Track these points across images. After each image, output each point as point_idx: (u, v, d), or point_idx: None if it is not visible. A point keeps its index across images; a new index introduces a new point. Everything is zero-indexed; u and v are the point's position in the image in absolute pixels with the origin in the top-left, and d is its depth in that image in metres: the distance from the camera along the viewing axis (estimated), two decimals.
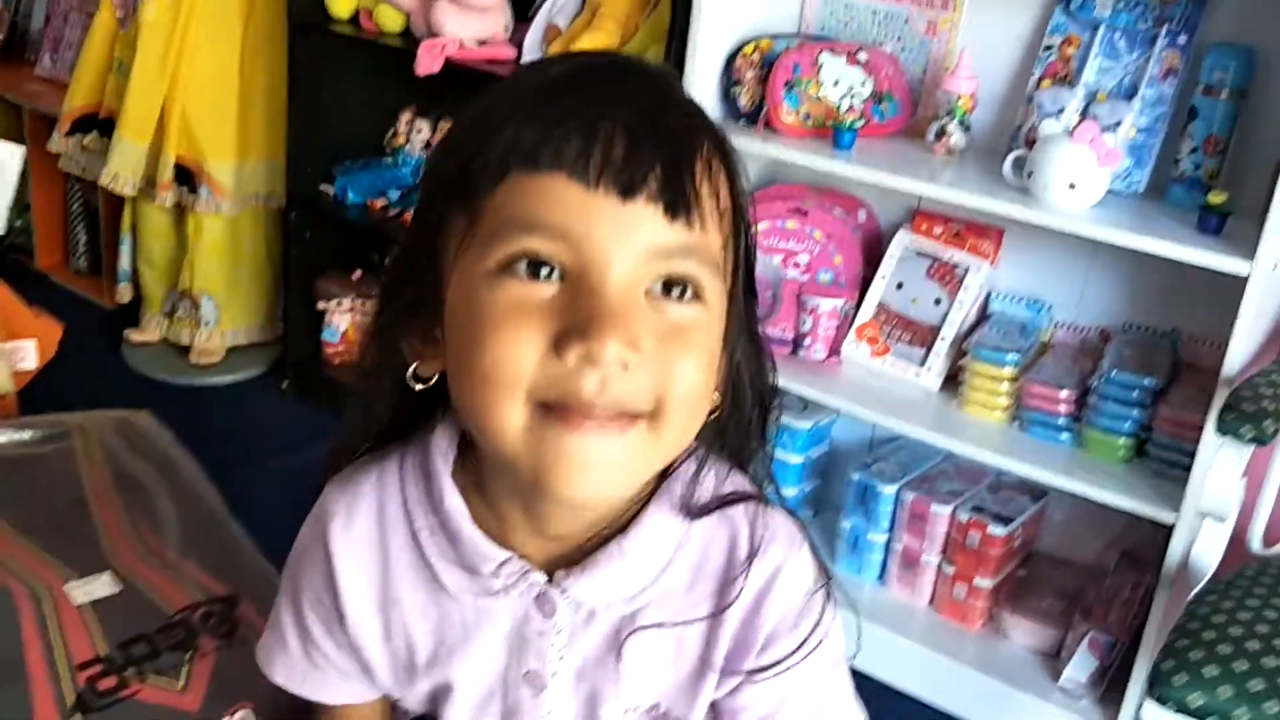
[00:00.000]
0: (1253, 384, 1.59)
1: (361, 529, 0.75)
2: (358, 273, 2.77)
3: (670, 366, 0.64)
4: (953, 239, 2.06)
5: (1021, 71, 2.00)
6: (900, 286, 2.08)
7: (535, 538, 0.73)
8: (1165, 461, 1.80)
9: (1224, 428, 1.52)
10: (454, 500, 0.72)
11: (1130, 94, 1.86)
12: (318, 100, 2.61)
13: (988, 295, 2.07)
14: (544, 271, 0.63)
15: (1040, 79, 1.94)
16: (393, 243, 2.68)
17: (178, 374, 2.80)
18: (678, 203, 0.63)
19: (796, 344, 2.10)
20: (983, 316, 2.07)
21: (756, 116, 2.04)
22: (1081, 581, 2.05)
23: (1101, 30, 1.89)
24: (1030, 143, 1.84)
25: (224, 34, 2.61)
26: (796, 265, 2.16)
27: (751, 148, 2.02)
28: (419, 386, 0.70)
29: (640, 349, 0.62)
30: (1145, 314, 1.98)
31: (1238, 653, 1.44)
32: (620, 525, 0.73)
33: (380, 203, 2.63)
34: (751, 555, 0.74)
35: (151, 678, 0.92)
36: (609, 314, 0.61)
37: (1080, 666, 1.91)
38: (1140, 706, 1.49)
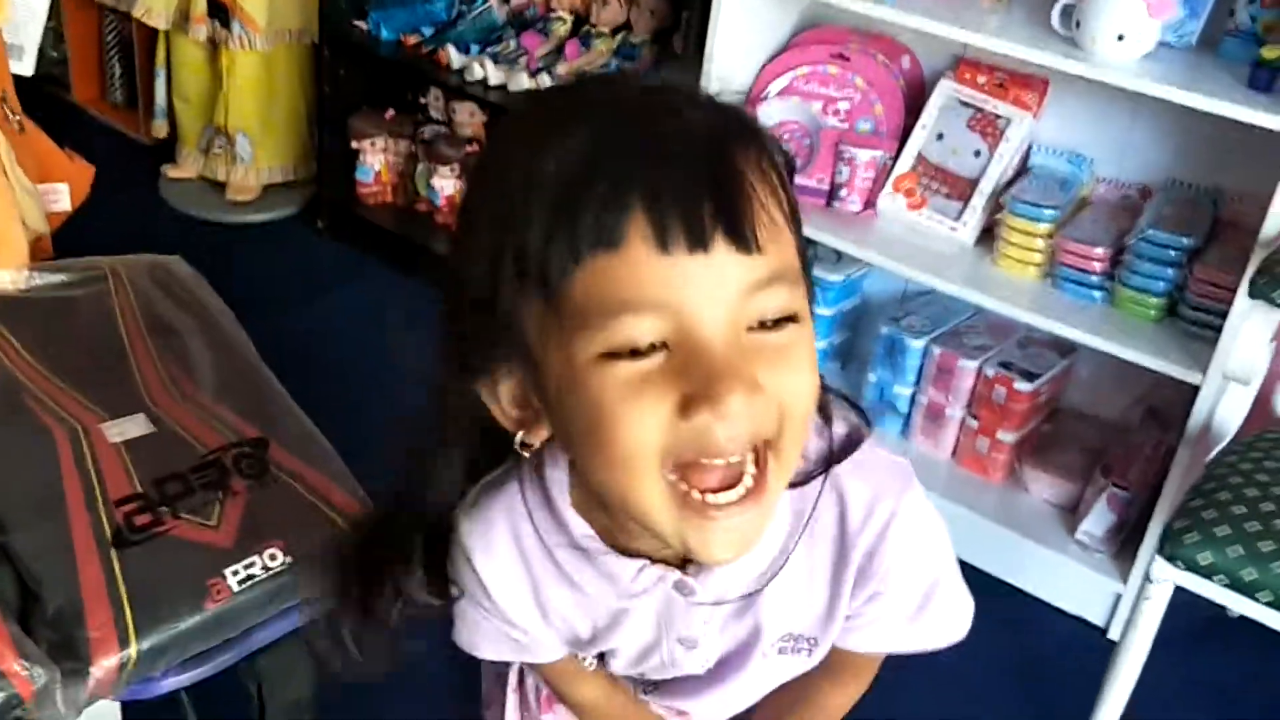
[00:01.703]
0: None
1: (502, 554, 0.78)
2: (390, 112, 2.75)
3: (786, 388, 0.64)
4: (996, 89, 2.01)
5: None
6: (940, 137, 2.04)
7: (664, 544, 0.74)
8: (1196, 322, 1.79)
9: (1256, 291, 1.51)
10: (580, 527, 0.75)
11: None
12: None
13: (1029, 148, 2.03)
14: (647, 347, 0.62)
15: None
16: (427, 80, 2.66)
17: (214, 211, 2.82)
18: (750, 237, 0.62)
19: (832, 195, 2.08)
20: (1023, 169, 2.03)
21: None
22: (1105, 438, 2.06)
23: None
24: None
25: None
26: (836, 113, 2.12)
27: None
28: (527, 454, 0.72)
29: (761, 389, 0.62)
30: (1189, 171, 1.94)
31: (1251, 514, 1.46)
32: None
33: (414, 39, 2.59)
34: (856, 520, 0.77)
35: (185, 515, 0.96)
36: (724, 370, 0.61)
37: (1097, 521, 1.94)
38: (1151, 563, 1.52)
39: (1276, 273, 1.50)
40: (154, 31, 2.77)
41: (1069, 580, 1.96)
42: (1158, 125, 1.93)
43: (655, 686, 0.90)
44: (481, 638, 0.85)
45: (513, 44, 2.52)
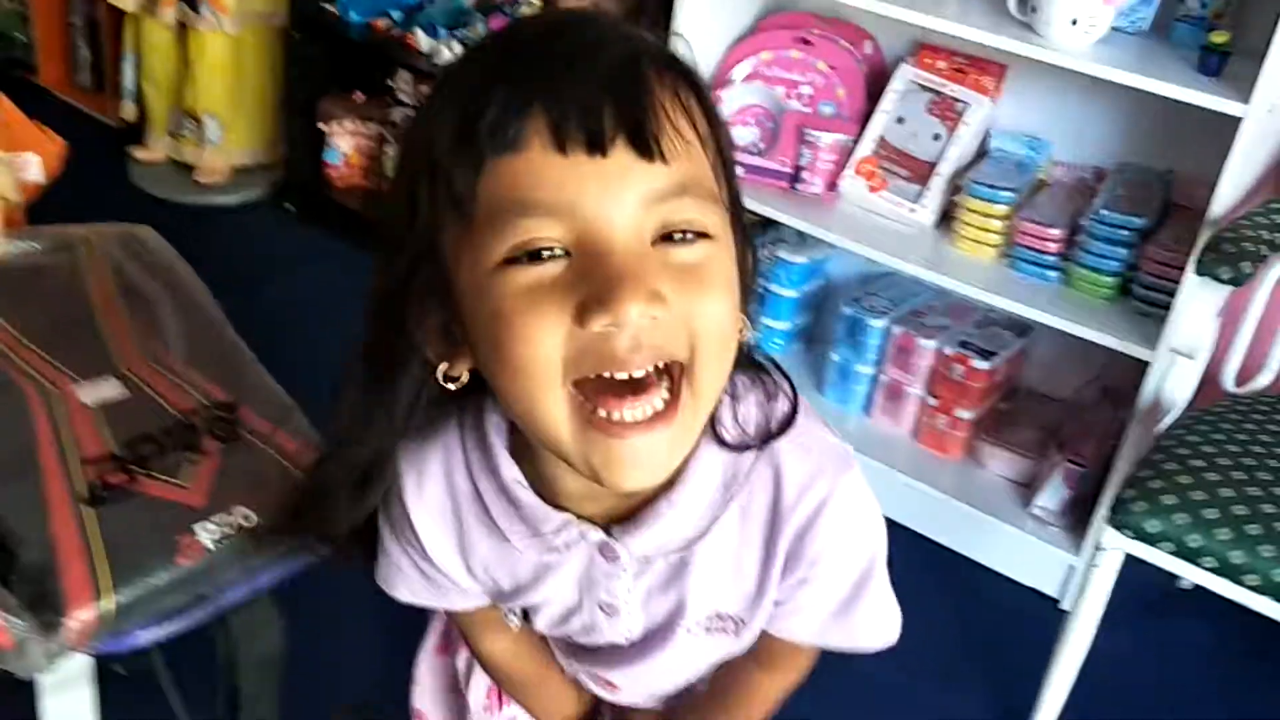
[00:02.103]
0: (1235, 226, 1.61)
1: (432, 494, 0.79)
2: (359, 94, 2.76)
3: (695, 308, 0.64)
4: (955, 73, 2.05)
5: None
6: (901, 121, 2.08)
7: (592, 499, 0.75)
8: (1147, 300, 1.84)
9: (1202, 268, 1.56)
10: (511, 472, 0.75)
11: None
12: None
13: (987, 132, 2.08)
14: (546, 252, 0.62)
15: None
16: (395, 64, 2.68)
17: (183, 193, 2.83)
18: (651, 144, 0.62)
19: (795, 177, 2.12)
20: (981, 153, 2.07)
21: None
22: (1061, 416, 2.11)
23: None
24: None
25: None
26: (799, 97, 2.16)
27: None
28: (452, 387, 0.71)
29: (663, 299, 0.62)
30: (1142, 153, 1.99)
31: (1197, 483, 1.50)
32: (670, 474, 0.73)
33: (383, 22, 2.61)
34: (790, 497, 0.76)
35: (157, 474, 0.98)
36: (622, 275, 0.61)
37: (1052, 495, 1.99)
38: (1101, 532, 1.57)
39: (1222, 250, 1.55)
40: (121, 14, 2.78)
41: (1024, 553, 2.01)
42: (1112, 109, 1.98)
43: (583, 652, 0.90)
44: (400, 578, 0.85)
45: (480, 27, 2.54)
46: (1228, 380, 1.78)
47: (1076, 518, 1.99)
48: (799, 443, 0.76)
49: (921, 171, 2.05)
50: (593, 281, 0.61)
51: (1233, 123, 1.64)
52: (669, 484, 0.74)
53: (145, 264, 1.20)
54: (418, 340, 0.70)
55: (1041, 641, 1.72)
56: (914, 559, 2.05)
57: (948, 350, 2.07)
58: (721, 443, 0.75)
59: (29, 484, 0.94)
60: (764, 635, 0.86)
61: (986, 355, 2.06)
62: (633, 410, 0.64)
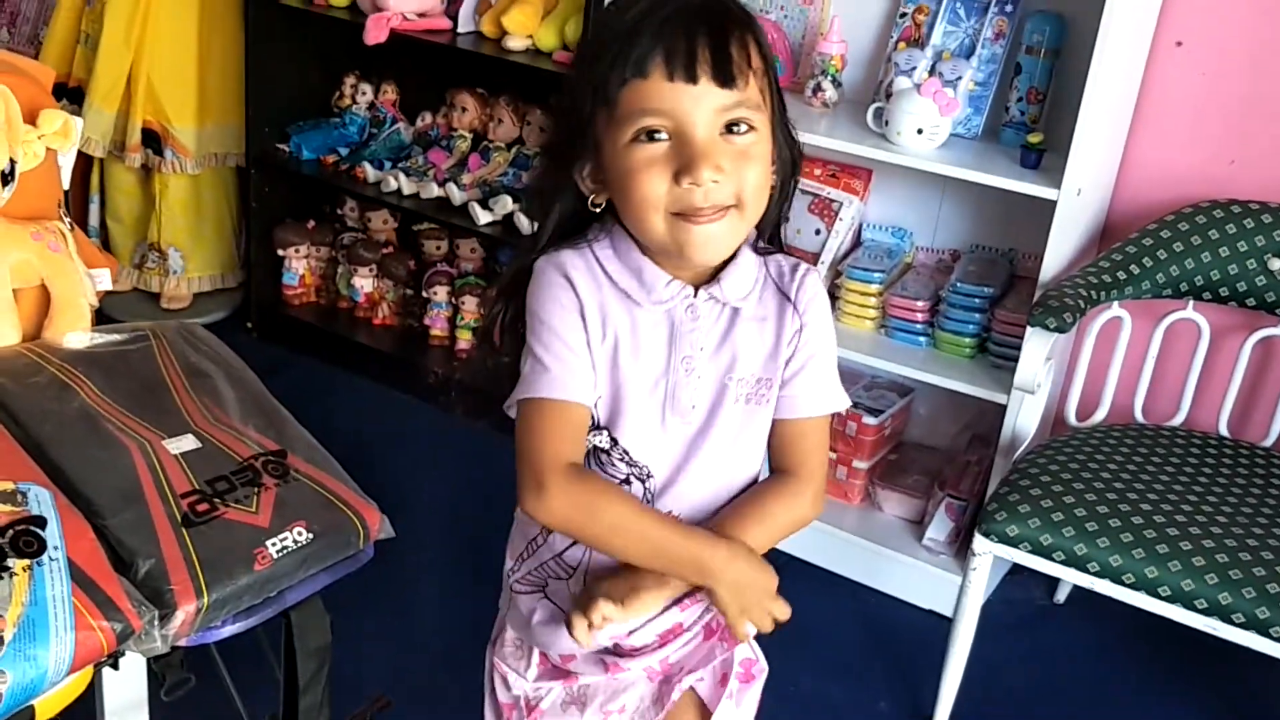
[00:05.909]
0: (1059, 287, 2.00)
1: (581, 274, 1.14)
2: (311, 222, 3.07)
3: (743, 175, 1.07)
4: (829, 179, 2.44)
5: (883, 36, 2.38)
6: (787, 220, 2.45)
7: (680, 272, 1.14)
8: (1000, 355, 2.22)
9: (1034, 320, 1.94)
10: (636, 253, 1.14)
11: (969, 53, 2.25)
12: (270, 67, 2.91)
13: (860, 225, 2.46)
14: (657, 136, 1.05)
15: (897, 41, 2.32)
16: (345, 193, 3.00)
17: (151, 318, 3.06)
18: (726, 78, 1.04)
19: None
20: (856, 243, 2.46)
21: None
22: (941, 461, 2.47)
23: (946, 0, 2.27)
24: (889, 96, 2.21)
25: (184, 7, 2.88)
26: None
27: None
28: (597, 209, 1.13)
29: (723, 170, 1.05)
30: (988, 236, 2.39)
31: (1045, 495, 1.85)
32: (726, 262, 1.15)
33: (331, 158, 2.93)
34: (788, 275, 1.19)
35: (232, 504, 1.26)
36: (700, 155, 1.04)
37: (938, 528, 2.33)
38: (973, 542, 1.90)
39: (1049, 305, 1.93)
40: (88, 159, 3.04)
41: (920, 580, 2.33)
42: (961, 201, 2.39)
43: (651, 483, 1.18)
44: (541, 372, 1.12)
45: (420, 159, 2.88)
46: (1070, 415, 2.16)
47: (962, 545, 2.32)
48: (789, 256, 1.22)
49: (808, 260, 2.41)
50: (683, 157, 1.06)
51: (1050, 205, 2.04)
52: (729, 262, 1.14)
53: (199, 349, 1.49)
54: (580, 184, 1.13)
55: (940, 654, 2.00)
56: (824, 592, 2.36)
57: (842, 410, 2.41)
58: (755, 250, 1.18)
59: (138, 512, 1.21)
60: (780, 442, 1.21)
61: (875, 413, 2.41)
62: (705, 212, 1.07)
